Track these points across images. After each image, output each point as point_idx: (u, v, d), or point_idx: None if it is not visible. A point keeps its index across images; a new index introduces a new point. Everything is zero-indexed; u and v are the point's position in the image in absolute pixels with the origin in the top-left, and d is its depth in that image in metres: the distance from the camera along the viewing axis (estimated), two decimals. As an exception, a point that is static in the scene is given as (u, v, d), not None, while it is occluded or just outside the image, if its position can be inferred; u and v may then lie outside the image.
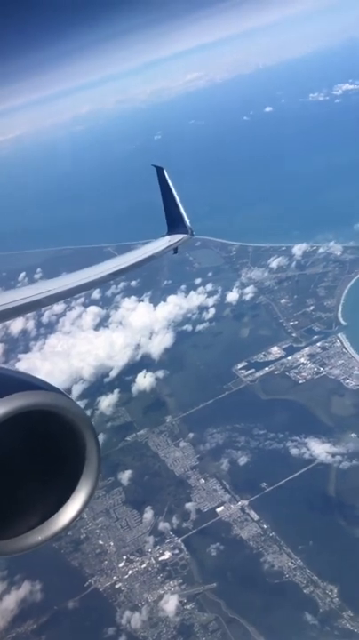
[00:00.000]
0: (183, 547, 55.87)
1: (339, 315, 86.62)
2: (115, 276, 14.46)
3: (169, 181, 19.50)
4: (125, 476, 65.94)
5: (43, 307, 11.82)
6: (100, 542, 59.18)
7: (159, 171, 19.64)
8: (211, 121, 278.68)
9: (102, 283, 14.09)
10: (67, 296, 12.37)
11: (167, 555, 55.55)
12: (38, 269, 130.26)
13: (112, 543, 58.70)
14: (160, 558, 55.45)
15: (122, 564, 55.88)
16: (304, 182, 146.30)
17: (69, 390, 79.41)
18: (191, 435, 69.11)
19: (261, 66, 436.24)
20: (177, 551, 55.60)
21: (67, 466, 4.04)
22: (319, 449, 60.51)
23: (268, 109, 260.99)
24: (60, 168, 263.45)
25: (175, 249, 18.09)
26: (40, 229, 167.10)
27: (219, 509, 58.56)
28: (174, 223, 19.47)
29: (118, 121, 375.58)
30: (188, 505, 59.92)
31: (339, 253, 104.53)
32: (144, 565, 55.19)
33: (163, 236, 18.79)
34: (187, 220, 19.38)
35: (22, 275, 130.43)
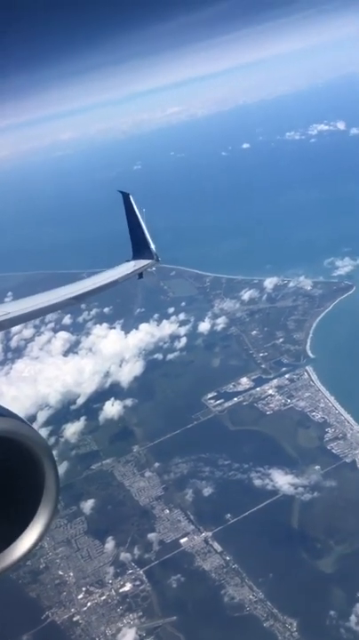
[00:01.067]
0: (144, 578, 55.13)
1: (308, 348, 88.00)
2: (77, 300, 14.39)
3: (135, 207, 19.96)
4: (89, 506, 65.06)
5: (2, 330, 11.75)
6: (60, 573, 58.00)
7: (125, 197, 20.10)
8: (191, 154, 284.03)
9: (63, 307, 13.99)
10: (26, 319, 12.15)
11: (128, 586, 54.69)
12: (9, 293, 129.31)
13: (72, 574, 57.57)
14: (120, 590, 54.55)
15: (81, 596, 54.79)
16: (277, 218, 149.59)
17: (34, 417, 78.50)
18: (157, 464, 68.79)
19: (241, 103, 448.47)
20: (138, 582, 54.81)
21: (25, 494, 3.95)
22: (282, 480, 60.87)
23: (246, 145, 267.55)
24: (37, 193, 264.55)
25: (140, 274, 18.27)
26: (14, 252, 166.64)
27: (182, 540, 58.12)
28: (140, 248, 19.70)
29: (99, 149, 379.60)
30: (152, 535, 59.38)
31: (308, 288, 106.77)
32: (104, 597, 54.19)
33: (128, 261, 19.01)
34: (152, 245, 19.63)
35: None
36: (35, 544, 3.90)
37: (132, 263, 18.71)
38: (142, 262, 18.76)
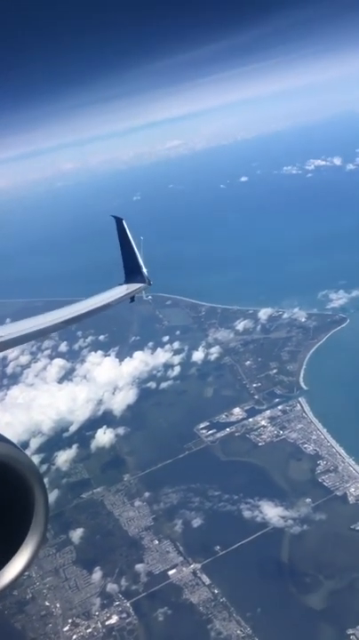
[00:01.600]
0: (131, 610, 54.32)
1: (301, 379, 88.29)
2: (68, 323, 14.45)
3: (128, 232, 20.35)
4: (78, 535, 64.48)
5: None
6: (47, 603, 57.15)
7: (118, 221, 20.53)
8: (190, 186, 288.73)
9: (56, 330, 13.96)
10: (19, 343, 12.26)
11: (114, 619, 53.86)
12: (7, 320, 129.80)
13: (59, 605, 56.71)
14: (107, 622, 53.69)
15: (67, 628, 53.89)
16: (273, 250, 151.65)
17: (27, 443, 78.15)
18: (147, 494, 68.39)
19: (239, 138, 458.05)
20: (125, 615, 53.99)
21: (14, 520, 3.91)
22: (272, 512, 60.53)
23: (244, 179, 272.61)
24: (38, 222, 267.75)
25: (132, 297, 18.63)
26: (13, 280, 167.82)
27: (170, 572, 57.47)
28: (132, 272, 20.04)
29: (99, 180, 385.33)
30: (140, 567, 58.72)
31: (303, 320, 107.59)
32: (90, 630, 53.30)
33: (121, 284, 19.42)
34: (144, 269, 19.98)
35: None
36: (23, 571, 3.89)
37: (125, 287, 19.02)
38: (134, 286, 19.08)
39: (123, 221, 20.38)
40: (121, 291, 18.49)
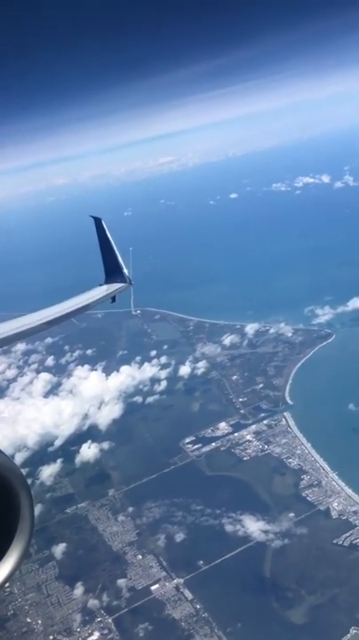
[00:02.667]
0: (113, 626, 53.93)
1: (287, 394, 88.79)
2: (51, 324, 14.27)
3: (107, 232, 20.29)
4: (61, 550, 63.97)
5: None
6: (28, 620, 56.56)
7: (97, 221, 20.48)
8: (180, 202, 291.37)
9: (37, 332, 13.76)
10: (1, 345, 12.21)
11: (96, 635, 53.41)
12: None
13: (40, 621, 56.14)
14: (88, 639, 53.23)
15: (47, 645, 53.39)
16: (260, 265, 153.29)
17: (12, 458, 77.81)
18: (131, 509, 68.22)
19: (230, 155, 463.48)
20: (106, 631, 53.58)
21: None
22: (253, 527, 60.62)
23: (234, 195, 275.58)
24: (27, 237, 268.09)
25: (113, 298, 18.55)
26: (2, 294, 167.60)
27: (153, 587, 57.23)
28: (112, 272, 19.98)
29: (91, 195, 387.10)
30: (123, 582, 58.36)
31: (289, 335, 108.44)
32: (71, 646, 52.86)
33: (101, 284, 19.37)
34: (125, 269, 20.03)
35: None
36: (10, 576, 3.84)
37: (105, 287, 18.99)
38: (115, 286, 19.06)
39: (102, 221, 20.35)
40: (101, 291, 18.44)
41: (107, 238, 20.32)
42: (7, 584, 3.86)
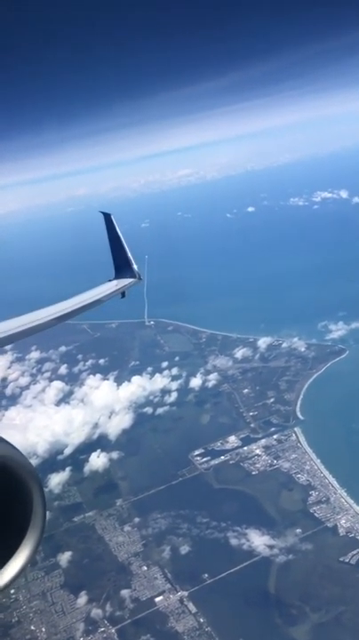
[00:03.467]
0: (116, 637, 53.90)
1: (298, 409, 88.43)
2: (60, 320, 14.15)
3: (116, 227, 20.28)
4: (67, 559, 64.21)
5: None
6: (32, 627, 56.77)
7: (107, 217, 20.43)
8: (197, 215, 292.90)
9: (48, 327, 13.58)
10: (10, 342, 12.31)
11: (98, 645, 53.48)
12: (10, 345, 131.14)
13: (44, 629, 56.32)
14: (91, 649, 53.33)
15: (50, 653, 53.52)
16: (275, 279, 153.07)
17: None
18: (137, 519, 68.33)
19: (249, 169, 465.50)
20: (109, 641, 53.63)
21: (11, 519, 3.94)
22: (258, 541, 60.34)
23: (251, 209, 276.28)
24: (46, 245, 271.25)
25: (122, 293, 18.38)
26: (15, 301, 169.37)
27: (157, 599, 57.14)
28: (122, 268, 19.89)
29: (110, 206, 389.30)
30: (127, 593, 58.37)
31: (302, 349, 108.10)
32: (73, 655, 52.93)
33: (110, 280, 19.25)
34: (134, 265, 19.92)
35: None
36: (22, 571, 3.92)
37: (115, 282, 18.90)
38: (124, 281, 18.93)
39: (112, 217, 20.35)
40: (111, 286, 18.30)
41: (117, 234, 20.41)
42: (15, 582, 3.98)
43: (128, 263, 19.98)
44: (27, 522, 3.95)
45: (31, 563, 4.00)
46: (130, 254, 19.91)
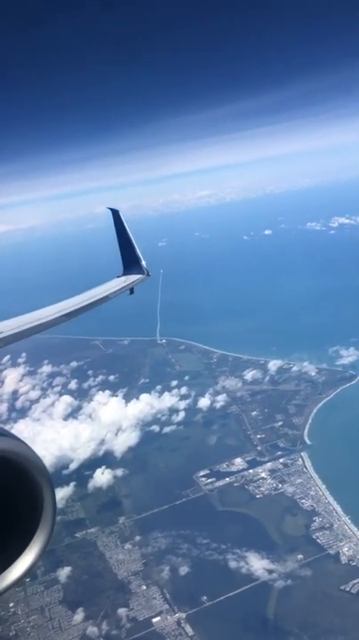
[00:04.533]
0: (111, 656, 53.66)
1: (306, 433, 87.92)
2: (69, 317, 14.10)
3: (125, 224, 20.39)
4: (67, 575, 64.16)
5: None
6: (29, 643, 56.73)
7: (115, 213, 20.62)
8: (214, 235, 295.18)
9: (55, 324, 13.44)
10: (19, 338, 11.98)
11: (93, 663, 53.20)
12: (23, 354, 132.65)
13: (40, 645, 56.26)
14: (85, 667, 53.06)
15: (45, 669, 53.35)
16: (289, 302, 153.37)
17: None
18: (139, 538, 68.19)
19: (268, 192, 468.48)
20: (104, 660, 53.32)
21: (22, 516, 3.96)
22: (257, 564, 59.79)
23: (268, 232, 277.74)
24: (63, 260, 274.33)
25: (131, 289, 18.21)
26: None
27: (155, 620, 56.71)
28: (130, 264, 19.86)
29: (128, 224, 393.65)
30: (125, 612, 58.06)
31: (312, 374, 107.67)
32: (67, 673, 52.70)
33: (119, 276, 19.27)
34: (143, 261, 19.89)
35: (6, 358, 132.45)
36: (30, 569, 3.92)
37: (123, 278, 18.83)
38: (133, 277, 18.84)
39: (120, 213, 20.44)
40: (119, 282, 18.22)
41: (125, 230, 20.38)
42: (22, 581, 4.00)
43: (136, 259, 19.96)
44: (37, 519, 3.97)
45: (35, 568, 4.20)
46: (138, 250, 19.95)
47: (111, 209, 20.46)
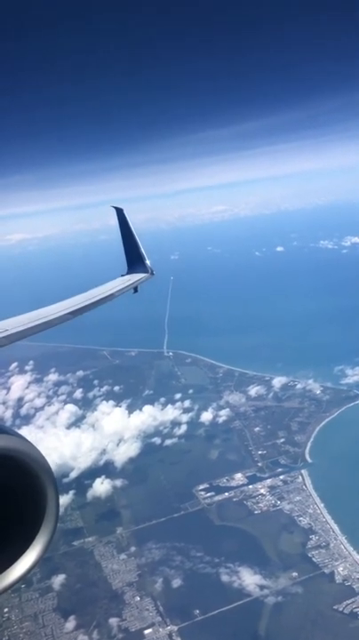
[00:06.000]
0: (101, 666, 53.81)
1: (307, 451, 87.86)
2: (74, 315, 14.01)
3: (129, 222, 20.39)
4: (62, 582, 64.51)
5: (1, 346, 11.29)
6: (20, 649, 57.05)
7: (119, 212, 20.58)
8: (226, 250, 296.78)
9: (61, 322, 13.29)
10: (24, 336, 12.07)
11: (83, 672, 53.36)
12: (31, 362, 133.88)
13: (32, 651, 56.57)
14: (75, 675, 53.24)
15: None
16: (296, 319, 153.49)
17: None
18: (135, 549, 68.46)
19: (282, 209, 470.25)
20: (93, 670, 53.47)
21: (26, 514, 3.97)
22: (249, 579, 59.79)
23: (280, 249, 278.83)
24: (76, 270, 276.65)
25: (135, 288, 18.27)
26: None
27: (146, 631, 56.86)
28: (134, 263, 20.01)
29: (142, 237, 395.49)
30: (118, 622, 58.25)
31: (317, 392, 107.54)
32: None
33: (123, 275, 19.46)
34: (147, 259, 20.05)
35: (14, 365, 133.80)
36: (34, 566, 3.95)
37: (127, 277, 18.98)
38: (137, 276, 18.89)
39: (124, 212, 20.37)
40: (124, 281, 18.24)
41: (130, 229, 20.32)
42: (24, 579, 4.05)
43: (140, 258, 19.94)
44: (40, 518, 3.98)
45: (35, 568, 4.02)
46: (142, 249, 19.96)
47: (115, 207, 20.46)
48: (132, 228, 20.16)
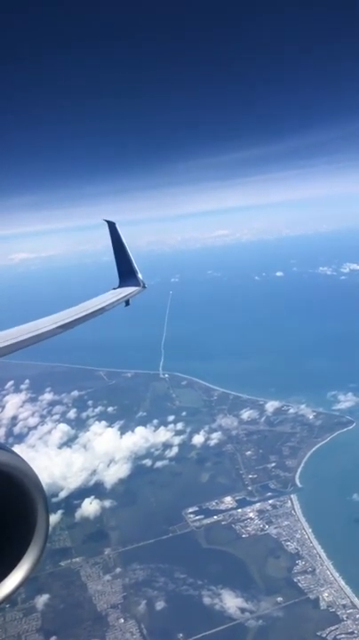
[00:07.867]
0: None
1: (297, 476, 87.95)
2: (64, 328, 13.62)
3: (121, 236, 20.20)
4: (47, 603, 64.33)
5: None
6: (2, 669, 56.80)
7: (111, 225, 20.45)
8: (226, 274, 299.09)
9: (50, 336, 12.99)
10: (14, 350, 11.69)
11: None
12: (27, 381, 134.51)
13: (13, 672, 56.31)
14: None
15: None
16: (292, 344, 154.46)
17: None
18: (120, 570, 68.42)
19: (284, 235, 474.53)
20: None
21: (15, 530, 3.94)
22: (230, 602, 59.68)
23: (279, 274, 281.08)
24: (76, 290, 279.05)
25: (127, 301, 18.15)
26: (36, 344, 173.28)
27: (129, 655, 56.70)
28: (126, 276, 19.78)
29: (144, 260, 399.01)
30: (100, 644, 58.08)
31: (309, 417, 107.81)
32: None
33: (115, 288, 19.29)
34: (138, 273, 19.87)
35: (10, 383, 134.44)
36: (23, 582, 3.88)
37: (119, 290, 18.68)
38: (128, 289, 18.66)
39: (116, 225, 20.32)
40: (115, 294, 17.99)
41: (122, 242, 20.07)
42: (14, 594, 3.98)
43: (132, 271, 19.71)
44: (30, 534, 3.95)
45: (24, 585, 3.97)
46: (134, 263, 19.86)
47: (107, 221, 20.38)
48: (124, 242, 20.11)
